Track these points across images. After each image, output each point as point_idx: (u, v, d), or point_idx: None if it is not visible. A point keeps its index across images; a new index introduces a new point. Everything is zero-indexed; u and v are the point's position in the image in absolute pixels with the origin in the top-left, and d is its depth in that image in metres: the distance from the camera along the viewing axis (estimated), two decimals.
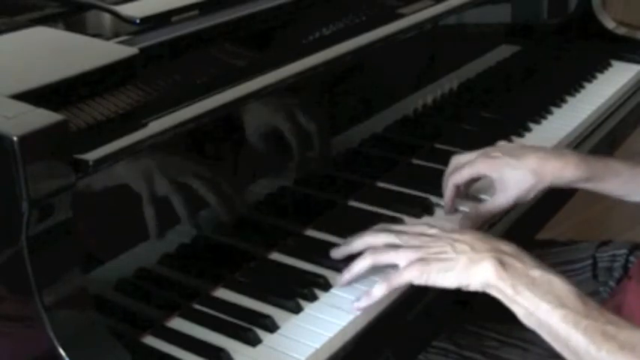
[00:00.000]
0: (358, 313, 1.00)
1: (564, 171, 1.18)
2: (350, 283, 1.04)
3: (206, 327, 0.98)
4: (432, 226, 1.04)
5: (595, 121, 1.56)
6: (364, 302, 1.00)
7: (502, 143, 1.26)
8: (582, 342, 0.88)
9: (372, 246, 1.03)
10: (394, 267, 1.00)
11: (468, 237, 1.00)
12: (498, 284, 0.94)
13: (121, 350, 0.84)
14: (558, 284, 0.93)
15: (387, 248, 1.02)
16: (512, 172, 1.17)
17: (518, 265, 0.95)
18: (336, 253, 1.08)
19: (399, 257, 0.99)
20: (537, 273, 0.94)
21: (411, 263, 0.98)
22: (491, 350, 1.21)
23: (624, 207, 2.43)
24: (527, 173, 1.17)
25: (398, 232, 1.05)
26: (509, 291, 0.93)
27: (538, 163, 1.17)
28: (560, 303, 0.91)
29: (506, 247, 0.98)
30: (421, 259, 0.98)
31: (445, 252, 0.98)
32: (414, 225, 1.06)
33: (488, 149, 1.21)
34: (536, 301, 0.91)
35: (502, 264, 0.94)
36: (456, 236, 1.00)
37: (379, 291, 0.99)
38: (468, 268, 0.95)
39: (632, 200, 1.23)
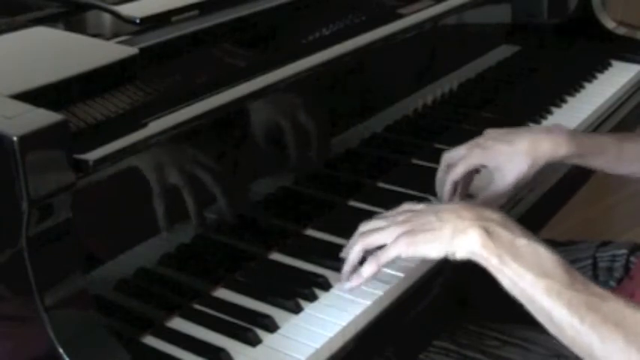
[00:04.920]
0: (359, 311, 1.00)
1: (557, 150, 1.19)
2: (351, 275, 1.03)
3: (206, 327, 0.98)
4: (418, 203, 1.04)
5: (595, 121, 1.56)
6: (355, 282, 1.00)
7: (489, 130, 1.26)
8: (566, 314, 0.88)
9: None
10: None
11: (453, 205, 1.00)
12: (484, 253, 0.93)
13: (121, 350, 0.84)
14: (544, 254, 0.92)
15: (374, 231, 1.02)
16: (507, 159, 1.17)
17: (504, 233, 0.94)
18: (344, 254, 1.07)
19: (386, 235, 0.99)
20: (523, 242, 0.93)
21: (398, 237, 0.97)
22: (492, 350, 1.21)
23: (624, 207, 2.44)
24: (522, 157, 1.17)
25: (385, 216, 1.05)
26: (494, 260, 0.92)
27: (531, 145, 1.18)
28: (544, 274, 0.90)
29: (493, 214, 0.97)
30: (406, 232, 0.97)
31: (430, 222, 0.97)
32: (401, 205, 1.06)
33: (478, 140, 1.21)
34: (521, 272, 0.91)
35: (488, 232, 0.94)
36: (442, 206, 1.00)
37: (368, 270, 0.99)
38: (454, 236, 0.95)
39: (619, 173, 1.24)
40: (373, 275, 1.00)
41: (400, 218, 1.01)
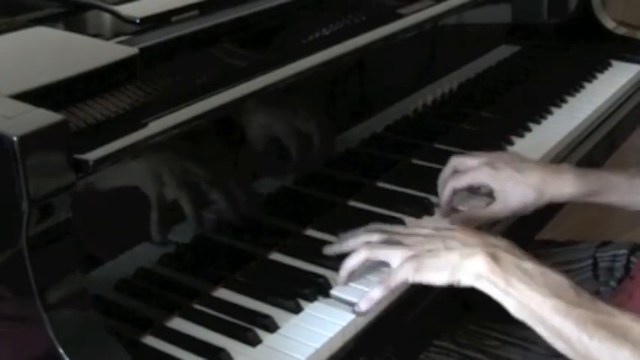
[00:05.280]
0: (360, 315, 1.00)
1: (563, 189, 1.20)
2: (347, 280, 1.04)
3: (206, 327, 0.98)
4: (424, 227, 1.05)
5: (595, 121, 1.56)
6: (364, 305, 1.00)
7: (501, 153, 1.27)
8: (574, 331, 0.88)
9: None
10: (389, 267, 1.00)
11: (459, 233, 1.00)
12: (490, 277, 0.93)
13: (121, 350, 0.84)
14: (550, 275, 0.93)
15: (381, 244, 1.02)
16: (514, 186, 1.18)
17: (510, 257, 0.95)
18: (329, 251, 1.08)
19: (392, 254, 1.00)
20: (529, 265, 0.94)
21: (405, 262, 0.98)
22: (493, 349, 1.21)
23: None
24: (529, 189, 1.18)
25: (391, 232, 1.05)
26: (501, 283, 0.93)
27: (540, 180, 1.19)
28: (552, 293, 0.91)
29: (498, 241, 0.98)
30: (414, 257, 0.98)
31: (437, 249, 0.98)
32: (406, 227, 1.07)
33: (491, 158, 1.22)
34: (529, 293, 0.91)
35: (494, 258, 0.94)
36: (448, 233, 1.01)
37: (377, 293, 0.99)
38: (460, 263, 0.95)
39: (633, 209, 1.24)
40: (381, 297, 1.00)
41: (408, 241, 1.01)
